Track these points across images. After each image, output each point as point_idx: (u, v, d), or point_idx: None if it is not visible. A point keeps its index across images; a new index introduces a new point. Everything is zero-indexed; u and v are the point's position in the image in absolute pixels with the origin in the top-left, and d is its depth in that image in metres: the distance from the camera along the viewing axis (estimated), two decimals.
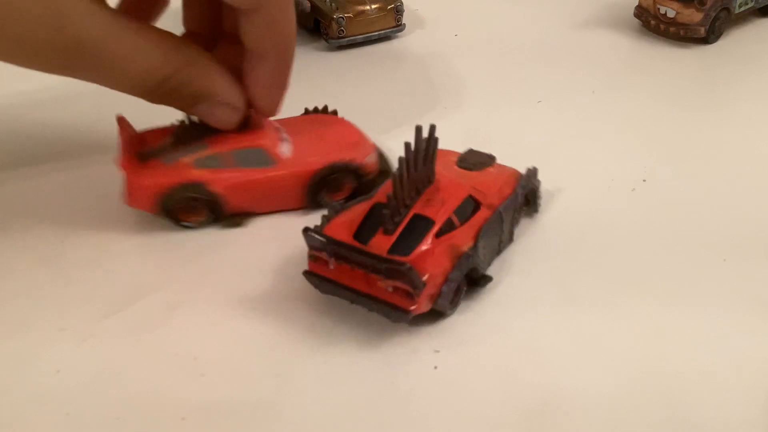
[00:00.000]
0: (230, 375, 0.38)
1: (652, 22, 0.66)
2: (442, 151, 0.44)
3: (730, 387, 0.36)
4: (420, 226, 0.39)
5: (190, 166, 0.45)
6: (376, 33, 0.66)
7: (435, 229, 0.39)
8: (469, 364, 0.38)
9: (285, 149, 0.46)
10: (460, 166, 0.45)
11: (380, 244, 0.39)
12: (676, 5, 0.65)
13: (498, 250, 0.43)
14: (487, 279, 0.41)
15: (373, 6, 0.66)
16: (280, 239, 0.45)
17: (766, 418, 0.35)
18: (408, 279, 0.37)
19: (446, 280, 0.39)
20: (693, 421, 0.35)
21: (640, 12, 0.68)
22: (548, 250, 0.45)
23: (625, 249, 0.45)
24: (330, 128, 0.49)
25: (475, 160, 0.45)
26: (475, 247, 0.40)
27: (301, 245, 0.40)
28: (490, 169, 0.45)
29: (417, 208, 0.40)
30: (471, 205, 0.42)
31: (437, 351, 0.38)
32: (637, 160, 0.52)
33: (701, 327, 0.40)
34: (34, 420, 0.35)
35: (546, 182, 0.47)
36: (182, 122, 0.47)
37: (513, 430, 0.35)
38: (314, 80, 0.62)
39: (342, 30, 0.65)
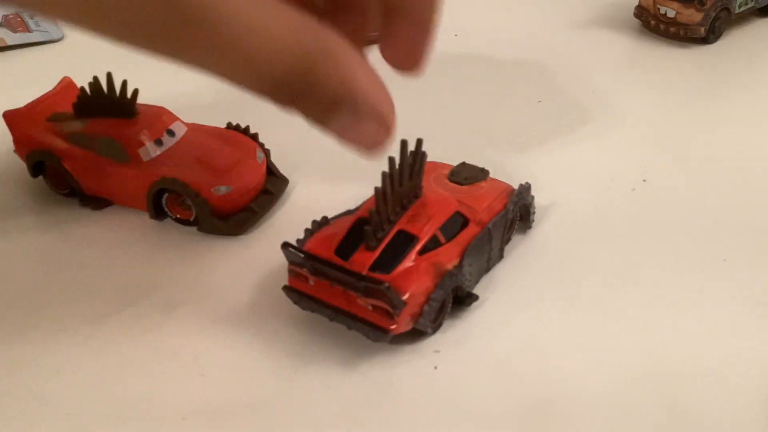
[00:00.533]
0: (230, 375, 0.38)
1: (652, 22, 0.66)
2: (434, 163, 0.44)
3: (730, 387, 0.36)
4: (403, 242, 0.38)
5: (63, 137, 0.47)
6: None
7: (419, 246, 0.38)
8: (469, 364, 0.38)
9: (152, 151, 0.46)
10: (451, 180, 0.44)
11: (362, 260, 0.38)
12: (676, 5, 0.65)
13: (487, 267, 0.42)
14: (473, 298, 0.40)
15: None
16: (279, 240, 0.45)
17: (766, 417, 0.35)
18: (387, 298, 0.36)
19: (428, 299, 0.37)
20: (693, 421, 0.35)
21: (640, 12, 0.68)
22: (549, 248, 0.45)
23: (625, 249, 0.45)
24: (227, 148, 0.47)
25: (467, 174, 0.44)
26: (460, 265, 0.39)
27: None
28: (482, 184, 0.44)
29: (401, 224, 0.39)
30: (459, 222, 0.40)
31: (437, 351, 0.38)
32: (637, 160, 0.52)
33: (701, 327, 0.40)
34: (34, 420, 0.35)
35: (545, 182, 0.48)
36: (82, 88, 0.47)
37: (513, 430, 0.35)
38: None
39: None
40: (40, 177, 0.49)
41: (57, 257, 0.45)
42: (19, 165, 0.50)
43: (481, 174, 0.44)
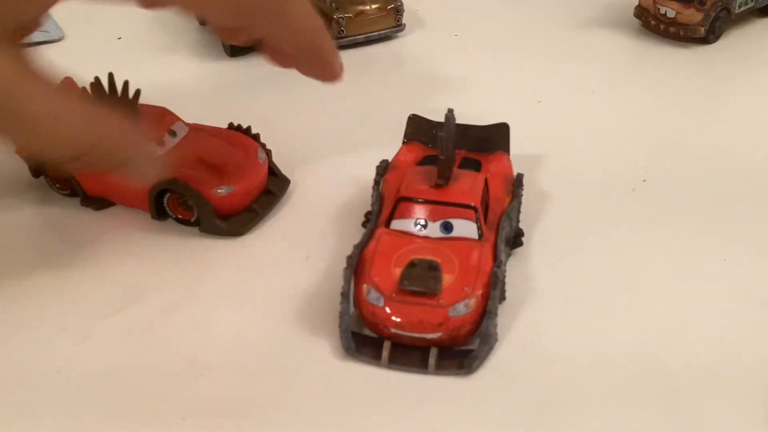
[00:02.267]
0: (230, 375, 0.38)
1: (652, 22, 0.66)
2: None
3: (730, 387, 0.36)
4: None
5: None
6: (376, 33, 0.66)
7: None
8: None
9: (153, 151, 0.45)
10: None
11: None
12: (676, 5, 0.65)
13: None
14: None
15: (373, 6, 0.66)
16: (280, 240, 0.46)
17: (766, 418, 0.35)
18: None
19: None
20: (692, 421, 0.35)
21: (640, 12, 0.68)
22: (548, 247, 0.45)
23: (625, 249, 0.45)
24: (229, 149, 0.47)
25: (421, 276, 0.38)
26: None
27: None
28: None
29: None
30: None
31: None
32: (637, 160, 0.52)
33: (701, 326, 0.40)
34: (34, 420, 0.35)
35: (545, 182, 0.47)
36: (84, 89, 0.46)
37: (513, 429, 0.35)
38: (314, 80, 0.61)
39: (342, 30, 0.65)
40: (42, 177, 0.49)
41: (57, 257, 0.45)
42: (21, 165, 0.50)
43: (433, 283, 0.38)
